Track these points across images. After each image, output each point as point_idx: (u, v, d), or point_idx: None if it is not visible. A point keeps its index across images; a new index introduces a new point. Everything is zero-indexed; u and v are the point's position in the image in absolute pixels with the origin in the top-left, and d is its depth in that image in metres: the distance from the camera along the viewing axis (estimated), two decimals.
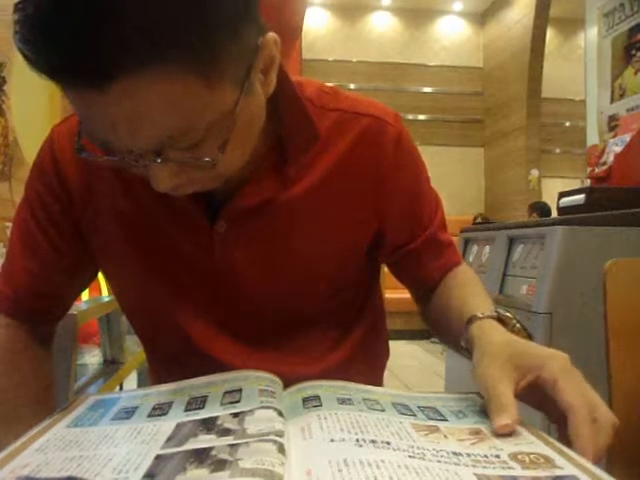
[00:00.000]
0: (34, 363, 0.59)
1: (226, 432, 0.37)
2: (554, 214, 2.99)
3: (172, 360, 0.63)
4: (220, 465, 0.32)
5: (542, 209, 4.30)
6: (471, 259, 2.01)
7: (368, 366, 0.69)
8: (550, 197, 3.89)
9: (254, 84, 0.43)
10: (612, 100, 2.92)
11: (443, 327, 0.61)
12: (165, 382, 0.50)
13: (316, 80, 0.60)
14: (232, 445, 0.34)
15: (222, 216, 0.54)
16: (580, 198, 1.65)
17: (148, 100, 0.36)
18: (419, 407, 0.46)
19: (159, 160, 0.41)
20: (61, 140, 0.57)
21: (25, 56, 0.35)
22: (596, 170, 2.19)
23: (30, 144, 1.52)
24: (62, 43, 0.34)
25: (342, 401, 0.44)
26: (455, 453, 0.36)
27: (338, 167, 0.56)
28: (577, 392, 0.39)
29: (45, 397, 0.58)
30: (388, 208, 0.59)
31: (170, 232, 0.56)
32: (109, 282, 0.64)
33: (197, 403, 0.44)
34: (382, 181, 0.58)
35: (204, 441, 0.36)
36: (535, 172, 5.46)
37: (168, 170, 0.42)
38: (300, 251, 0.57)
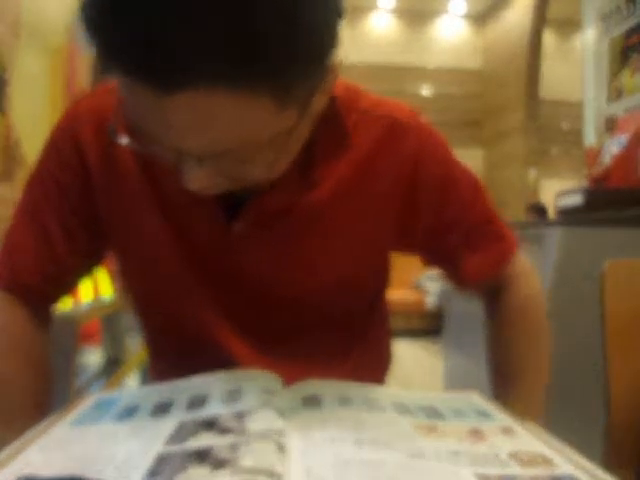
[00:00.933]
0: (33, 348, 0.56)
1: (227, 431, 0.37)
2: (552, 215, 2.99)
3: (177, 356, 0.62)
4: (221, 464, 0.32)
5: (540, 210, 4.30)
6: None
7: (372, 371, 0.68)
8: (548, 198, 3.89)
9: (312, 105, 0.42)
10: (609, 101, 2.93)
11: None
12: (167, 380, 0.50)
13: (342, 78, 0.58)
14: (233, 444, 0.35)
15: (242, 217, 0.53)
16: (578, 199, 1.66)
17: (216, 113, 0.35)
18: (419, 407, 0.46)
19: (201, 164, 0.39)
20: (82, 119, 0.55)
21: (91, 35, 0.33)
22: (594, 171, 2.20)
23: (32, 145, 1.53)
24: (146, 37, 0.31)
25: (342, 401, 0.45)
26: (454, 452, 0.36)
27: (359, 169, 0.55)
28: None
29: (44, 385, 0.56)
30: (420, 206, 0.58)
31: (188, 224, 0.54)
32: (120, 269, 0.62)
33: (198, 401, 0.44)
34: (410, 179, 0.56)
35: (205, 439, 0.36)
36: (533, 173, 5.46)
37: (205, 173, 0.40)
38: (319, 254, 0.56)
